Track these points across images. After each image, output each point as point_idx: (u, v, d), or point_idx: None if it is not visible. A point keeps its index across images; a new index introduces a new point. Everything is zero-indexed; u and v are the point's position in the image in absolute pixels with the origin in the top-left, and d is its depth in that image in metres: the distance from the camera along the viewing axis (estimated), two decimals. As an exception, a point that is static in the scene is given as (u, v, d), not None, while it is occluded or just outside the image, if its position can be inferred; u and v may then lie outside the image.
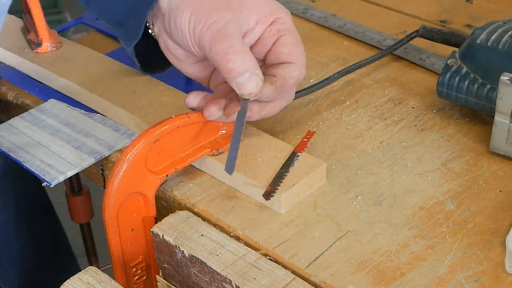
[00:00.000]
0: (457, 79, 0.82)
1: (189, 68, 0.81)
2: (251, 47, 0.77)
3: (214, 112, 0.75)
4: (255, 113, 0.76)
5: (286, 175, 0.75)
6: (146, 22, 0.80)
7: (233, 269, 0.68)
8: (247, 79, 0.71)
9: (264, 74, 0.74)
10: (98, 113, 0.89)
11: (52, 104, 0.91)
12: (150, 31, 0.81)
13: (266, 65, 0.77)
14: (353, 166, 0.80)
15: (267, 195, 0.73)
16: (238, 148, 0.73)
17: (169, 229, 0.72)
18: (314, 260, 0.69)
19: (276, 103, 0.78)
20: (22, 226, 1.09)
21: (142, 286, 0.78)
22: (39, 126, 0.88)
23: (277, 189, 0.73)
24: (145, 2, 0.78)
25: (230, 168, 0.72)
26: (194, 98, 0.77)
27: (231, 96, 0.76)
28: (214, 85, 0.81)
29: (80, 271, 0.71)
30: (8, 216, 1.05)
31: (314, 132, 0.83)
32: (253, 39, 0.77)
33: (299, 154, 0.77)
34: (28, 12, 0.99)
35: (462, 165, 0.79)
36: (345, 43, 1.01)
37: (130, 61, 0.87)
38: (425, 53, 0.96)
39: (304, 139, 0.80)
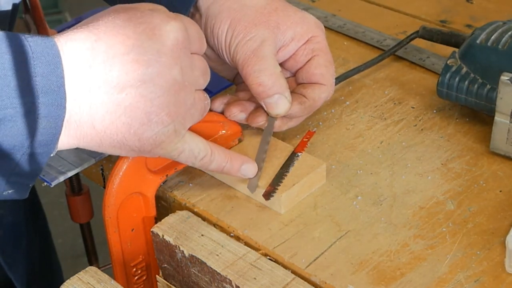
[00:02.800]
0: (457, 79, 0.82)
1: (218, 66, 0.83)
2: (284, 62, 0.79)
3: (235, 113, 0.77)
4: (277, 127, 0.78)
5: (286, 175, 0.75)
6: None
7: (233, 269, 0.68)
8: (276, 101, 0.74)
9: (293, 91, 0.77)
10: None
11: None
12: None
13: (296, 82, 0.80)
14: (353, 166, 0.80)
15: (267, 195, 0.73)
16: (262, 167, 0.75)
17: (169, 229, 0.72)
18: (314, 260, 0.69)
19: (300, 118, 0.80)
20: (30, 223, 1.09)
21: (142, 286, 0.78)
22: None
23: (277, 189, 0.73)
24: (183, 3, 0.78)
25: (252, 186, 0.74)
26: (220, 104, 0.78)
27: (254, 99, 0.78)
28: (238, 81, 0.83)
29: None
30: (18, 214, 1.06)
31: (314, 132, 0.83)
32: (287, 55, 0.79)
33: (299, 154, 0.77)
34: (28, 12, 0.99)
35: (462, 165, 0.79)
36: (345, 43, 1.01)
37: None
38: (425, 53, 0.96)
39: (304, 139, 0.80)
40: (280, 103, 0.75)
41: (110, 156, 0.83)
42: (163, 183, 0.77)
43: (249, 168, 0.73)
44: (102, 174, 0.86)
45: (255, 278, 0.67)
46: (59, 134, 0.60)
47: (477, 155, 0.80)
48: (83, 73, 0.60)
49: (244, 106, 0.78)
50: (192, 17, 0.80)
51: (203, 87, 0.69)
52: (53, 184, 0.80)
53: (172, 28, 0.63)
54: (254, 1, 0.77)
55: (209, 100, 0.70)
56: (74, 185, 1.04)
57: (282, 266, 0.68)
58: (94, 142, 0.63)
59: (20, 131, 0.58)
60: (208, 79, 0.70)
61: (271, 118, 0.77)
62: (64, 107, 0.59)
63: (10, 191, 0.62)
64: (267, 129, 0.77)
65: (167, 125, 0.64)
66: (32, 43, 0.58)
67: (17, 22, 1.05)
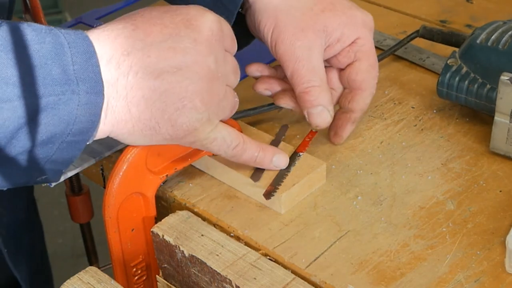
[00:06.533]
0: (457, 79, 0.82)
1: None
2: (327, 60, 0.80)
3: (261, 90, 0.80)
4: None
5: (286, 175, 0.75)
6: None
7: (233, 269, 0.68)
8: (319, 112, 0.76)
9: (339, 103, 0.80)
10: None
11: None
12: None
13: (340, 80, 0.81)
14: (353, 166, 0.80)
15: (268, 194, 0.73)
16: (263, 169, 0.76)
17: (169, 229, 0.72)
18: (314, 260, 0.69)
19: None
20: (30, 222, 1.10)
21: (142, 286, 0.78)
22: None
23: (277, 188, 0.73)
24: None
25: (256, 177, 0.75)
26: (255, 70, 0.81)
27: (286, 80, 0.79)
28: None
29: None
30: (18, 213, 1.06)
31: (316, 132, 0.83)
32: (331, 54, 0.79)
33: (301, 153, 0.77)
34: (28, 12, 0.99)
35: (462, 165, 0.79)
36: (345, 43, 1.01)
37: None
38: (425, 53, 0.96)
39: (306, 139, 0.80)
40: (322, 115, 0.76)
41: (110, 156, 0.83)
42: (163, 183, 0.77)
43: (281, 159, 0.75)
44: (102, 174, 0.86)
45: (255, 278, 0.67)
46: (98, 121, 0.62)
47: (477, 155, 0.80)
48: (121, 59, 0.62)
49: (270, 84, 0.80)
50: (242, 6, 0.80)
51: (233, 86, 0.70)
52: (53, 184, 0.79)
53: (208, 19, 0.66)
54: (302, 1, 0.77)
55: (238, 99, 0.71)
56: (74, 185, 1.04)
57: (282, 266, 0.68)
58: (126, 129, 0.64)
59: (62, 119, 0.60)
60: (238, 79, 0.71)
61: (283, 125, 0.81)
62: (103, 94, 0.61)
63: (43, 177, 0.64)
64: (278, 134, 0.80)
65: (202, 112, 0.65)
66: (66, 34, 0.60)
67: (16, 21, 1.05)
